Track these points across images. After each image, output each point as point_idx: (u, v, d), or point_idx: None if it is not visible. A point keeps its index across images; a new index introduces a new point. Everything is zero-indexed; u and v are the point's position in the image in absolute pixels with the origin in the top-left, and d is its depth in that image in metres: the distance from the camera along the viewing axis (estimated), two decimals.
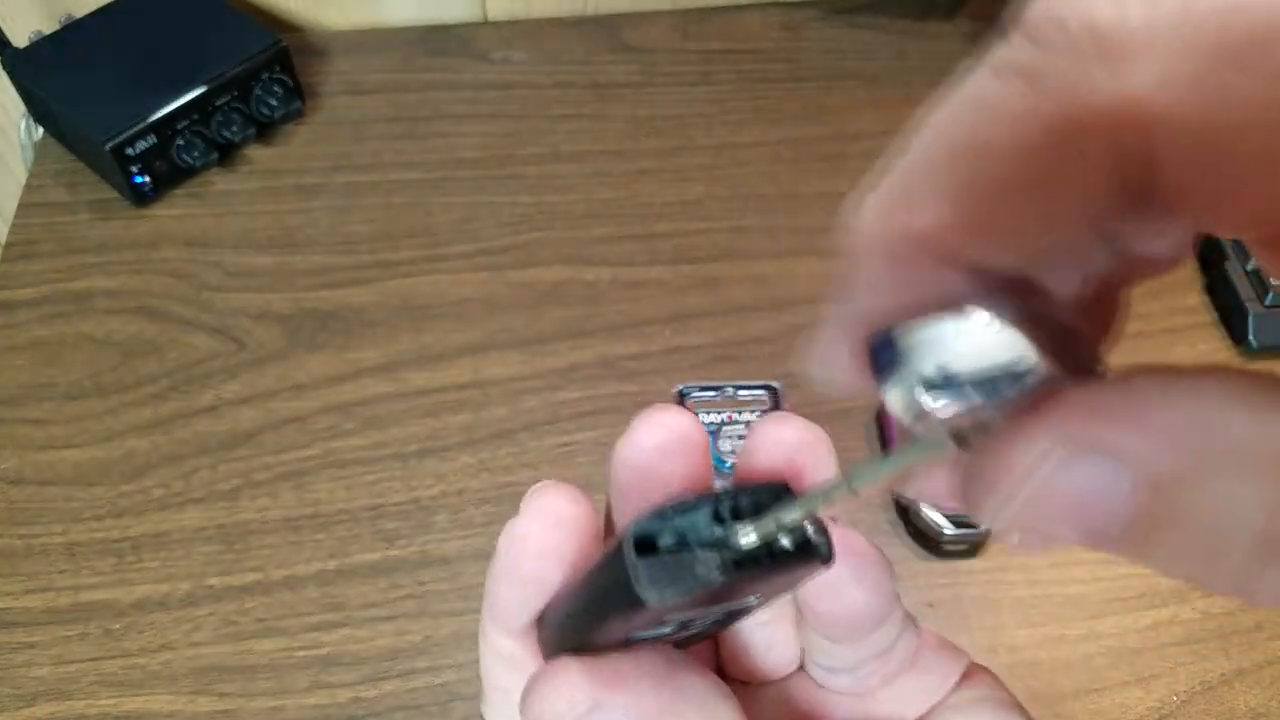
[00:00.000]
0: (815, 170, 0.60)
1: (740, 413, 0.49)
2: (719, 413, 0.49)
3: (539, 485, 0.16)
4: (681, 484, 0.15)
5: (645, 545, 0.13)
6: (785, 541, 0.13)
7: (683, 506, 0.13)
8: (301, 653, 0.43)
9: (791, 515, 0.13)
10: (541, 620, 0.16)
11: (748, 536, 0.13)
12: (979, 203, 0.11)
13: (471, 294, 0.55)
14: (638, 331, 0.53)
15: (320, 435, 0.49)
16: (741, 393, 0.50)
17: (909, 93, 0.64)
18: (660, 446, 0.15)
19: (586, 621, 0.15)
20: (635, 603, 0.13)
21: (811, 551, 0.13)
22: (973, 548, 0.45)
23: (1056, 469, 0.10)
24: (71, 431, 0.49)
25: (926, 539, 0.45)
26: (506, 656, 0.17)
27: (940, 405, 0.11)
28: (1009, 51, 0.11)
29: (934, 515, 0.44)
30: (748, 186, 0.60)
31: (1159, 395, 0.09)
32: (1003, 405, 0.10)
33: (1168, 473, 0.09)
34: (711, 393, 0.50)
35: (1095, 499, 0.09)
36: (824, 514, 0.14)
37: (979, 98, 0.11)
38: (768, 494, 0.14)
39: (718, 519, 0.13)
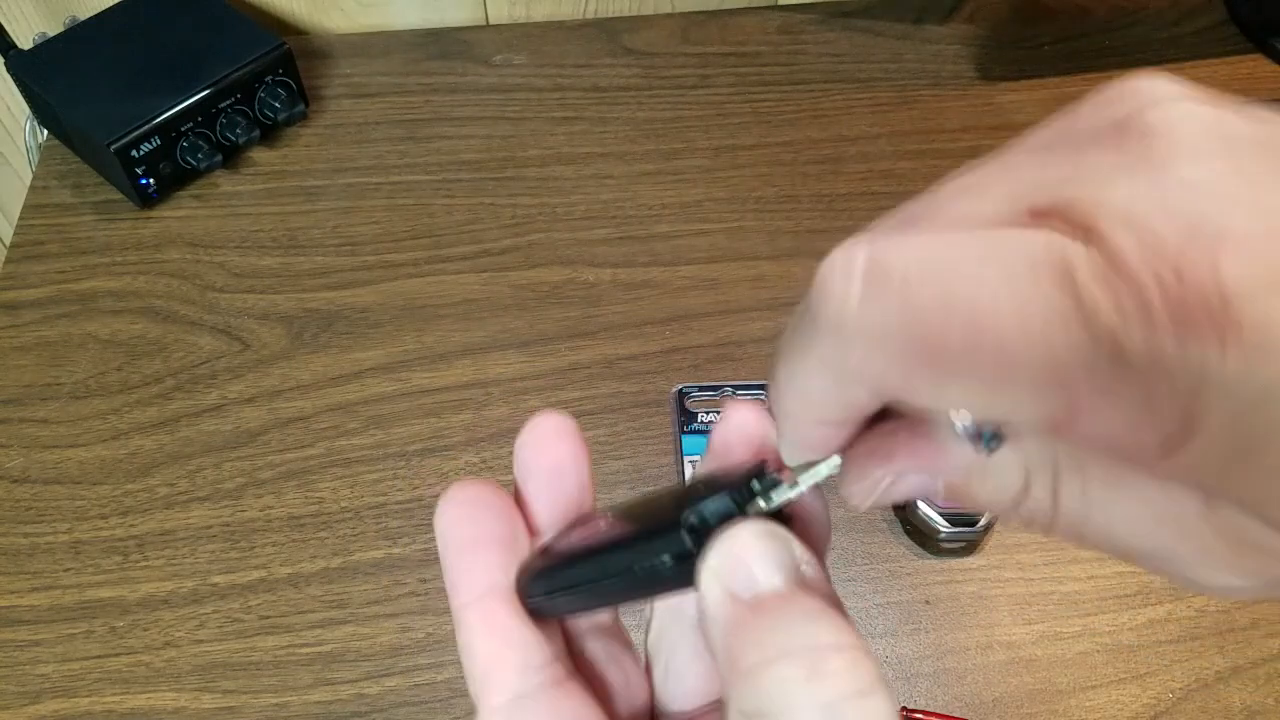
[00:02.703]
0: (813, 172, 0.61)
1: None
2: (719, 412, 0.49)
3: (452, 489, 0.19)
4: (569, 457, 0.19)
5: (693, 529, 0.16)
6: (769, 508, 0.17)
7: (706, 496, 0.16)
8: (305, 650, 0.43)
9: (792, 492, 0.16)
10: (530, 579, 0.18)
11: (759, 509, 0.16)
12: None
13: (473, 295, 0.55)
14: (638, 331, 0.53)
15: (324, 434, 0.49)
16: (740, 393, 0.50)
17: (905, 96, 0.65)
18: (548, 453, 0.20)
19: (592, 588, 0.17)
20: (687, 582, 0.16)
21: (782, 517, 0.17)
22: (969, 546, 0.46)
23: (893, 484, 0.17)
24: (77, 431, 0.49)
25: (923, 537, 0.46)
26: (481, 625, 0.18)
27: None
28: (801, 314, 0.15)
29: (931, 513, 0.45)
30: (746, 188, 0.60)
31: (935, 437, 0.16)
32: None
33: (954, 478, 0.17)
34: (711, 393, 0.50)
35: (919, 491, 0.17)
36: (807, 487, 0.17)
37: None
38: (754, 475, 0.17)
39: (735, 500, 0.16)
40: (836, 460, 0.17)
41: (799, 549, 0.16)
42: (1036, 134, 0.14)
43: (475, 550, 0.18)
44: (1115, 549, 0.15)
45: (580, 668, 0.20)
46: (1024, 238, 0.12)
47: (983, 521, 0.45)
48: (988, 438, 0.14)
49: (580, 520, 0.20)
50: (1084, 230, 0.12)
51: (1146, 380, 0.11)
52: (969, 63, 0.67)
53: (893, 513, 0.47)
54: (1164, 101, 0.13)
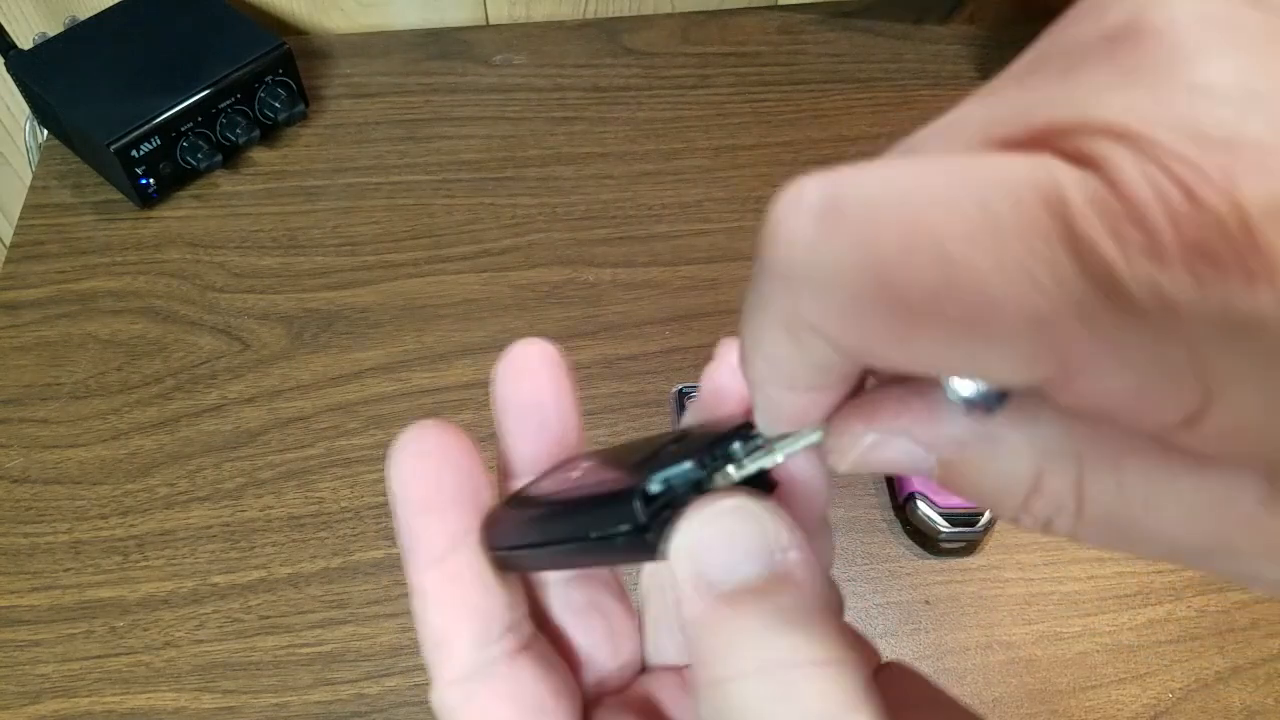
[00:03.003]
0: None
1: None
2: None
3: (408, 432, 0.17)
4: (546, 388, 0.18)
5: (648, 498, 0.14)
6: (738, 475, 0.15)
7: (672, 458, 0.14)
8: (305, 650, 0.43)
9: (764, 460, 0.15)
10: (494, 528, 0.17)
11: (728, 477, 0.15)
12: None
13: (473, 294, 0.55)
14: (638, 332, 0.54)
15: (324, 434, 0.49)
16: None
17: (905, 95, 0.65)
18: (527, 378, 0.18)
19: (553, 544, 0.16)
20: (644, 550, 0.14)
21: (764, 483, 0.15)
22: (969, 545, 0.46)
23: (878, 446, 0.14)
24: (77, 431, 0.49)
25: (923, 537, 0.46)
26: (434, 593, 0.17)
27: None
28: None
29: (931, 513, 0.45)
30: (746, 188, 0.60)
31: (931, 397, 0.13)
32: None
33: (950, 451, 0.13)
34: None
35: (909, 462, 0.14)
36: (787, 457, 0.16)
37: None
38: (736, 434, 0.15)
39: (702, 466, 0.14)
40: (817, 434, 0.14)
41: (781, 530, 0.14)
42: (1022, 58, 0.12)
43: (433, 509, 0.17)
44: (1158, 549, 0.13)
45: (552, 622, 0.19)
46: (1003, 162, 0.10)
47: (983, 521, 0.45)
48: (984, 397, 0.12)
49: (561, 465, 0.18)
50: (1075, 154, 0.10)
51: (1157, 327, 0.09)
52: (969, 63, 0.67)
53: (893, 513, 0.47)
54: (1164, 1, 0.11)
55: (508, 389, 0.18)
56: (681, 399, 0.50)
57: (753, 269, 0.13)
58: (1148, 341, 0.10)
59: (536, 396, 0.18)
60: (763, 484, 0.15)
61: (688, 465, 0.14)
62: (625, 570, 0.20)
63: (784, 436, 0.15)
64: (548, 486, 0.18)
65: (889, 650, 0.44)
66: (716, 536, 0.14)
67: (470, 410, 0.50)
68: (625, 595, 0.19)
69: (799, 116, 0.64)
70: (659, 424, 0.50)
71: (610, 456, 0.17)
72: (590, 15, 0.70)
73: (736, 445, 0.15)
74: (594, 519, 0.15)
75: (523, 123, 0.63)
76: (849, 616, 0.44)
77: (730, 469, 0.15)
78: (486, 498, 0.17)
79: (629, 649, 0.19)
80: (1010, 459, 0.13)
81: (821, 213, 0.11)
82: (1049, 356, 0.10)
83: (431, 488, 0.17)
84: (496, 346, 0.53)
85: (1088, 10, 0.11)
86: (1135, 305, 0.09)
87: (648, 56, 0.67)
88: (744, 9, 0.71)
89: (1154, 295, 0.09)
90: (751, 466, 0.15)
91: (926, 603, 0.45)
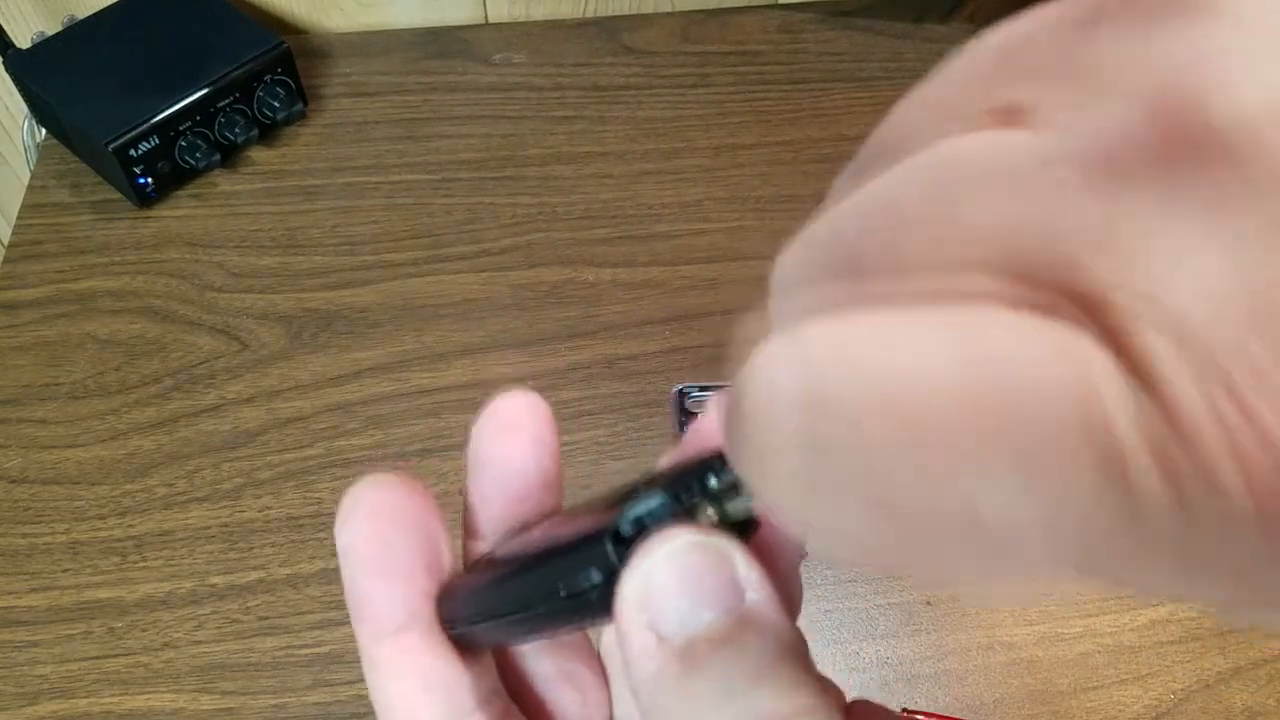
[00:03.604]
0: (813, 172, 0.61)
1: None
2: None
3: (356, 490, 0.16)
4: (531, 455, 0.16)
5: (620, 540, 0.13)
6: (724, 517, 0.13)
7: (643, 496, 0.13)
8: (304, 651, 0.43)
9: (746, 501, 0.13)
10: (447, 601, 0.16)
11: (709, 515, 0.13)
12: None
13: (473, 294, 0.55)
14: (638, 331, 0.53)
15: (323, 435, 0.49)
16: None
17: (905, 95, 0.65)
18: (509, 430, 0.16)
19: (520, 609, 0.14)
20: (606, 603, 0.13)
21: (748, 525, 0.13)
22: None
23: None
24: (75, 431, 0.49)
25: None
26: (388, 665, 0.15)
27: None
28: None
29: None
30: (746, 188, 0.60)
31: None
32: None
33: None
34: (711, 393, 0.50)
35: None
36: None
37: None
38: (708, 466, 0.13)
39: (676, 499, 0.13)
40: None
41: (743, 565, 0.12)
42: (1019, 55, 0.09)
43: (386, 573, 0.15)
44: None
45: (525, 694, 0.17)
46: (1028, 346, 0.08)
47: None
48: None
49: (526, 525, 0.16)
50: (1117, 344, 0.08)
51: (1217, 555, 0.08)
52: None
53: None
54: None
55: (487, 447, 0.16)
56: (681, 399, 0.50)
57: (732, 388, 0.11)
58: (1204, 561, 0.08)
59: (521, 462, 0.16)
60: (744, 524, 0.13)
61: (658, 500, 0.12)
62: (596, 631, 0.18)
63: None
64: (511, 548, 0.16)
65: (890, 651, 0.43)
66: (670, 580, 0.12)
67: (469, 410, 0.50)
68: (596, 659, 0.18)
69: (799, 116, 0.64)
70: (659, 424, 0.50)
71: (579, 509, 0.15)
72: (590, 14, 0.70)
73: (710, 478, 0.13)
74: (561, 573, 0.13)
75: (522, 122, 0.63)
76: (851, 618, 0.44)
77: (708, 510, 0.13)
78: (447, 560, 0.16)
79: (601, 717, 0.17)
80: None
81: (811, 409, 0.09)
82: (1058, 572, 0.09)
83: (385, 551, 0.15)
84: (496, 346, 0.53)
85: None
86: (1195, 546, 0.08)
87: (648, 55, 0.67)
88: (744, 8, 0.71)
89: (1220, 539, 0.08)
90: (742, 507, 0.13)
91: (928, 603, 0.45)
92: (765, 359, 0.10)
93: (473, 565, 0.16)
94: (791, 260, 0.12)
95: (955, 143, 0.10)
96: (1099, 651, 0.44)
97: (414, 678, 0.15)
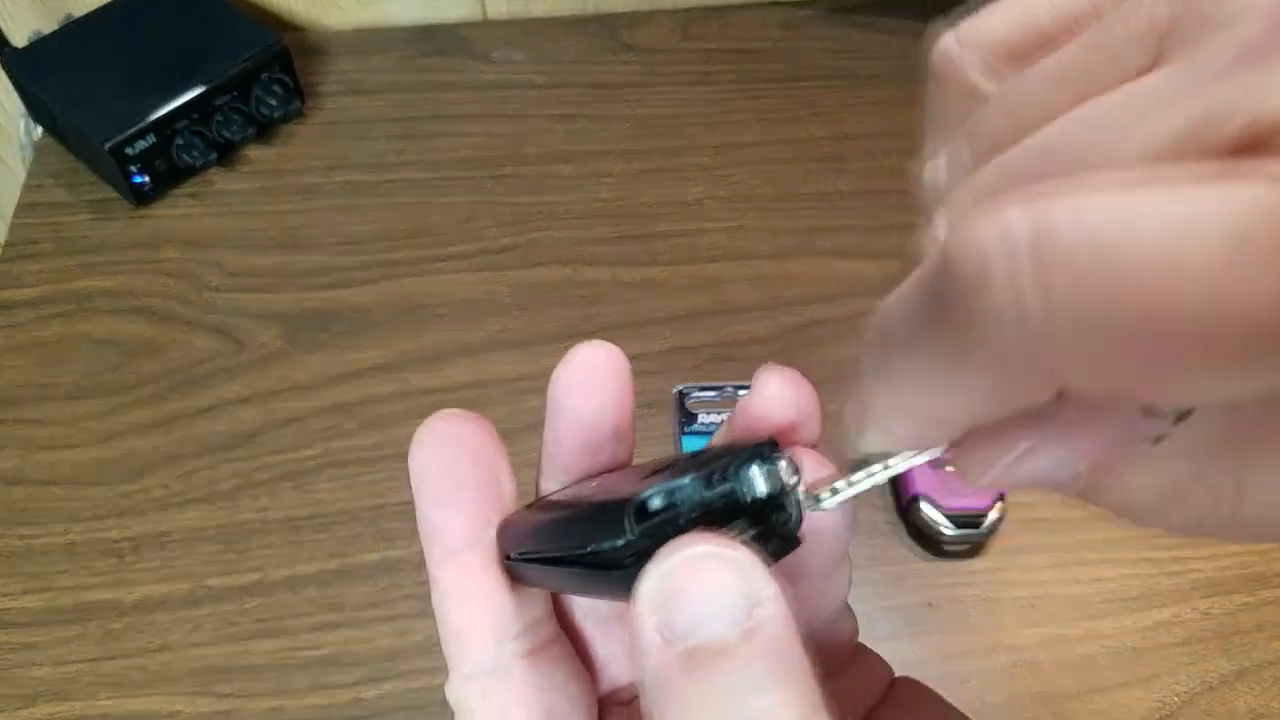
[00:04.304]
0: (814, 170, 0.60)
1: None
2: (719, 413, 0.49)
3: (432, 420, 0.17)
4: (604, 408, 0.17)
5: (641, 511, 0.13)
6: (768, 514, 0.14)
7: (678, 473, 0.13)
8: (302, 653, 0.43)
9: (853, 490, 0.14)
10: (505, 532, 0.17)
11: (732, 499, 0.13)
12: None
13: (472, 294, 0.55)
14: (638, 331, 0.53)
15: (321, 435, 0.49)
16: (741, 393, 0.50)
17: (908, 92, 0.64)
18: (588, 374, 0.17)
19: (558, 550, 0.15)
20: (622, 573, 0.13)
21: (788, 536, 0.14)
22: (973, 548, 0.45)
23: (1024, 460, 0.13)
24: (72, 432, 0.49)
25: (927, 539, 0.45)
26: (452, 590, 0.17)
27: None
28: (923, 294, 0.12)
29: (935, 515, 0.44)
30: (747, 186, 0.60)
31: (1098, 408, 0.12)
32: None
33: (1103, 464, 0.13)
34: (711, 393, 0.50)
35: (1053, 476, 0.13)
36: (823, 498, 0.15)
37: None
38: (757, 453, 0.14)
39: (708, 485, 0.13)
40: (939, 448, 0.14)
41: (758, 582, 0.13)
42: (1151, 25, 0.11)
43: (452, 502, 0.16)
44: None
45: (576, 628, 0.18)
46: (1233, 195, 0.09)
47: (987, 523, 0.44)
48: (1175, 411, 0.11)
49: (594, 474, 0.17)
50: None
51: None
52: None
53: (896, 515, 0.47)
54: None
55: (562, 396, 0.17)
56: (681, 399, 0.50)
57: (906, 306, 0.12)
58: None
59: (592, 414, 0.17)
60: (788, 533, 0.14)
61: (688, 480, 0.13)
62: None
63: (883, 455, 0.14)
64: (570, 494, 0.17)
65: (892, 654, 0.43)
66: (688, 585, 0.12)
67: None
68: None
69: (801, 114, 0.63)
70: (659, 424, 0.50)
71: (646, 467, 0.16)
72: (590, 11, 0.70)
73: (754, 468, 0.13)
74: (590, 530, 0.14)
75: (522, 120, 0.63)
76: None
77: (825, 494, 0.14)
78: (509, 491, 0.17)
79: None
80: (1170, 461, 0.12)
81: (1040, 253, 0.10)
82: None
83: (450, 479, 0.16)
84: (495, 346, 0.53)
85: None
86: None
87: (648, 53, 0.67)
88: (745, 5, 0.70)
89: None
90: (853, 490, 0.14)
91: (930, 606, 0.45)
92: (989, 218, 0.10)
93: (534, 503, 0.17)
94: (969, 187, 0.13)
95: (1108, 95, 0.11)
96: (1102, 654, 0.43)
97: (467, 599, 0.16)
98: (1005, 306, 0.10)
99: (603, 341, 0.17)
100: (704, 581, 0.12)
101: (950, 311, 0.11)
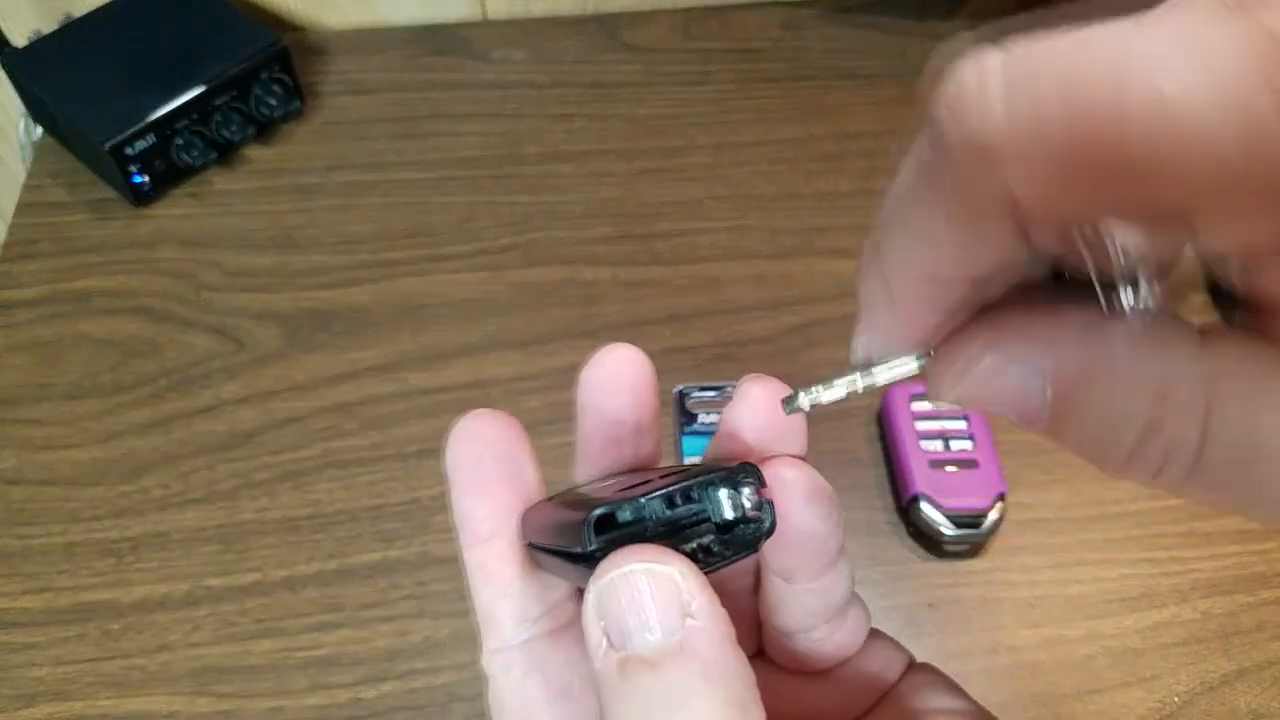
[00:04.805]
0: (815, 170, 0.60)
1: None
2: (719, 413, 0.49)
3: (465, 419, 0.18)
4: (627, 407, 0.18)
5: (604, 522, 0.14)
6: (731, 515, 0.15)
7: (654, 488, 0.15)
8: (301, 653, 0.43)
9: (835, 392, 0.15)
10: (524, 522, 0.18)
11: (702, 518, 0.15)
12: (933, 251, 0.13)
13: (471, 294, 0.55)
14: (638, 331, 0.53)
15: (320, 435, 0.49)
16: None
17: (908, 92, 0.64)
18: (614, 374, 0.18)
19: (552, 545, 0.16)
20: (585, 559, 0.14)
21: (755, 525, 0.15)
22: (973, 548, 0.45)
23: (992, 370, 0.13)
24: (70, 432, 0.49)
25: (927, 540, 0.45)
26: (483, 568, 0.18)
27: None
28: (919, 149, 0.12)
29: (935, 515, 0.44)
30: (747, 186, 0.60)
31: (1059, 320, 0.13)
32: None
33: (1069, 379, 0.13)
34: (712, 393, 0.50)
35: (1022, 395, 0.13)
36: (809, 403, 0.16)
37: (911, 181, 0.13)
38: (730, 476, 0.15)
39: (670, 504, 0.15)
40: (916, 362, 0.15)
41: (689, 593, 0.14)
42: None
43: (480, 492, 0.18)
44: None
45: None
46: (1222, 33, 0.09)
47: (987, 523, 0.44)
48: (1144, 303, 0.12)
49: (619, 470, 0.19)
50: None
51: None
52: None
53: (896, 515, 0.47)
54: None
55: (588, 396, 0.19)
56: (682, 399, 0.50)
57: (906, 166, 0.12)
58: None
59: (616, 413, 0.18)
60: (763, 524, 0.15)
61: (645, 500, 0.14)
62: None
63: (883, 362, 0.15)
64: (585, 490, 0.18)
65: None
66: (621, 594, 0.14)
67: (468, 411, 0.50)
68: None
69: (801, 113, 0.63)
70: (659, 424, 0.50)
71: (661, 469, 0.17)
72: (590, 10, 0.70)
73: (723, 492, 0.15)
74: (570, 530, 0.15)
75: (521, 119, 0.63)
76: None
77: (819, 388, 0.15)
78: (533, 483, 0.18)
79: None
80: (1133, 387, 0.12)
81: (1014, 78, 0.10)
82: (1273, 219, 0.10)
83: (479, 472, 0.18)
84: (495, 346, 0.53)
85: None
86: None
87: (648, 52, 0.67)
88: (746, 4, 0.70)
89: None
90: (831, 394, 0.15)
91: (930, 606, 0.45)
92: (970, 56, 0.11)
93: (558, 495, 0.18)
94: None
95: None
96: (1102, 654, 0.43)
97: (492, 581, 0.18)
98: (970, 129, 0.11)
99: (627, 344, 0.18)
100: (639, 594, 0.14)
101: (935, 152, 0.11)
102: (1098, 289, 0.12)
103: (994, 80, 0.11)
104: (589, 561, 0.14)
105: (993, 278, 0.13)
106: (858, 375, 0.15)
